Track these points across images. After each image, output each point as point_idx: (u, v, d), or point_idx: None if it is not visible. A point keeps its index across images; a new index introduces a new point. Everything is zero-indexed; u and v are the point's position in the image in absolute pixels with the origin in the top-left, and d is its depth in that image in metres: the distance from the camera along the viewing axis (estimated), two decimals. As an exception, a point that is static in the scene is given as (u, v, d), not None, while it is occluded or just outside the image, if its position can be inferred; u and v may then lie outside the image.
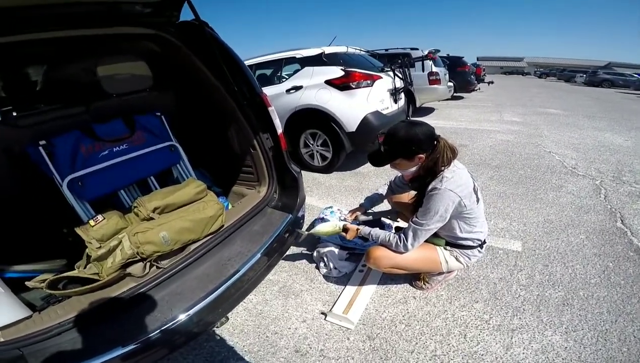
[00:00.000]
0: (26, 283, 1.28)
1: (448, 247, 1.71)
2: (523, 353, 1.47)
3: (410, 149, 1.53)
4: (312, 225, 2.48)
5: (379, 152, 1.67)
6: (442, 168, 1.54)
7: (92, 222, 1.33)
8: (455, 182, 1.50)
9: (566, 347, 1.49)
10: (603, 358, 1.43)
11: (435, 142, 1.54)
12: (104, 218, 1.35)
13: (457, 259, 1.70)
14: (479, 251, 1.72)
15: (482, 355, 1.48)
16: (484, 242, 1.72)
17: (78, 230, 1.34)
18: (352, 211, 2.10)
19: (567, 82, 28.76)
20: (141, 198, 1.49)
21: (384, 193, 2.11)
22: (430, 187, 1.53)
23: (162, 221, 1.40)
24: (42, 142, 1.46)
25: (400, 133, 1.55)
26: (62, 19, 1.37)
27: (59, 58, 1.76)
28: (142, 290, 1.25)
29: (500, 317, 1.68)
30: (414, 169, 1.62)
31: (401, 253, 1.64)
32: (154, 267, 1.36)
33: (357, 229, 1.80)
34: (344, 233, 1.84)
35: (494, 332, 1.60)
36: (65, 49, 1.66)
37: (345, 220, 2.07)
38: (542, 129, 6.28)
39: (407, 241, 1.59)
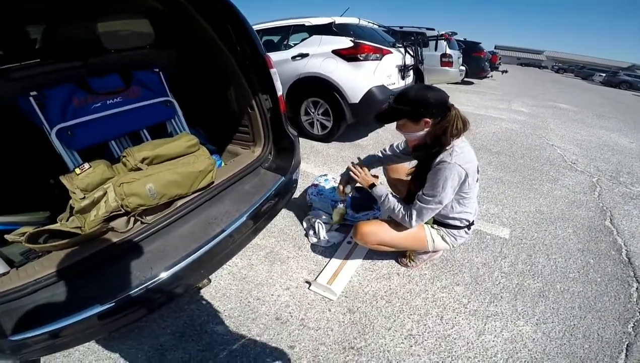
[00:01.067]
0: (5, 236, 1.23)
1: (435, 226, 1.70)
2: (493, 341, 1.50)
3: (417, 110, 1.45)
4: (306, 192, 2.50)
5: (386, 109, 1.60)
6: (451, 139, 1.46)
7: (77, 170, 1.30)
8: (464, 157, 1.45)
9: (534, 339, 1.53)
10: (565, 353, 1.46)
11: (447, 110, 1.47)
12: (90, 167, 1.32)
13: (443, 239, 1.69)
14: (466, 232, 1.70)
15: (455, 339, 1.51)
16: (472, 223, 1.70)
17: (63, 179, 1.30)
18: (361, 167, 1.84)
19: (584, 79, 27.99)
20: (130, 148, 1.46)
21: (382, 156, 2.01)
22: (438, 159, 1.46)
23: (149, 172, 1.37)
24: (33, 93, 1.43)
25: (411, 92, 1.47)
26: None
27: (61, 14, 1.69)
28: (124, 245, 1.23)
29: (478, 302, 1.71)
30: (420, 133, 1.53)
31: (406, 228, 1.62)
32: (139, 222, 1.34)
33: (373, 183, 1.72)
34: (358, 173, 1.75)
35: (469, 316, 1.63)
36: (67, 5, 1.59)
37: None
38: (549, 122, 6.18)
39: (412, 217, 1.55)
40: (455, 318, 1.61)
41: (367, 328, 1.54)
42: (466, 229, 1.69)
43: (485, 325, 1.58)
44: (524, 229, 2.38)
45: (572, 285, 1.87)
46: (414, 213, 1.54)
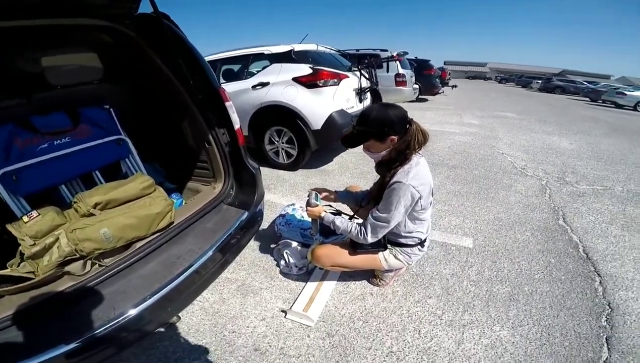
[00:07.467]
0: None
1: (388, 245, 1.74)
2: (474, 348, 1.53)
3: (382, 129, 1.50)
4: (274, 222, 2.46)
5: (352, 133, 1.65)
6: (414, 151, 1.53)
7: (25, 218, 1.22)
8: (419, 179, 1.50)
9: (513, 342, 1.56)
10: (547, 353, 1.50)
11: (408, 125, 1.54)
12: (39, 214, 1.24)
13: (396, 257, 1.73)
14: (420, 249, 1.75)
15: (436, 350, 1.52)
16: (424, 240, 1.75)
17: (9, 227, 1.22)
18: (324, 193, 1.96)
19: (524, 87, 30.53)
20: (81, 194, 1.40)
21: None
22: (394, 179, 1.51)
23: (103, 217, 1.31)
24: None
25: (373, 113, 1.52)
26: (8, 7, 1.27)
27: (2, 45, 1.60)
28: (82, 288, 1.17)
29: (452, 312, 1.74)
30: (385, 152, 1.59)
31: (363, 244, 1.67)
32: (96, 265, 1.27)
33: (321, 214, 1.75)
34: (308, 208, 1.80)
35: (446, 327, 1.65)
36: (9, 38, 1.52)
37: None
38: (498, 131, 6.64)
39: (367, 233, 1.59)
40: (433, 330, 1.63)
41: (348, 350, 1.52)
42: (419, 247, 1.74)
43: (463, 334, 1.61)
44: (485, 237, 2.49)
45: (539, 286, 1.94)
46: (369, 229, 1.59)
